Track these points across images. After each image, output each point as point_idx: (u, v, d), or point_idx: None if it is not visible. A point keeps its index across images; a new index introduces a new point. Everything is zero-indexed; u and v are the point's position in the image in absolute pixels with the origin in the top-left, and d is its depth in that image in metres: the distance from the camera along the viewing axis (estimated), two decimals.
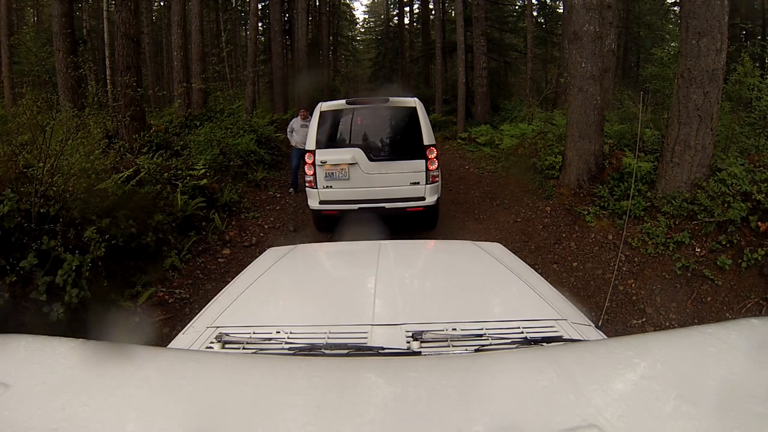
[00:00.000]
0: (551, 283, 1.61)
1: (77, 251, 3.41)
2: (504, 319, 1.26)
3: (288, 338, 1.13)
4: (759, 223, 4.20)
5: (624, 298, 4.18)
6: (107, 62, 12.22)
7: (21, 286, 3.20)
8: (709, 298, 4.06)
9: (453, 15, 16.73)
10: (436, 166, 4.75)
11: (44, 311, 3.17)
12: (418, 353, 1.01)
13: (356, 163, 4.73)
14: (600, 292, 4.26)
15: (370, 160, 4.75)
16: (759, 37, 13.81)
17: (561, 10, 15.18)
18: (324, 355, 0.99)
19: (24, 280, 3.22)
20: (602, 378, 0.72)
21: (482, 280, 1.68)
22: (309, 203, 4.94)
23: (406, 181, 4.73)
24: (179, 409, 0.65)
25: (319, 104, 5.03)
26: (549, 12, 18.32)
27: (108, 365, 0.74)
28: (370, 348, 1.03)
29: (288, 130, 7.21)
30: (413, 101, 4.89)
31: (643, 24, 16.59)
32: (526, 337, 1.09)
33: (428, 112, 5.24)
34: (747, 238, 4.25)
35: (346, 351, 1.01)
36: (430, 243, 3.15)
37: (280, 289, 1.67)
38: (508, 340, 1.08)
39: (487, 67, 13.29)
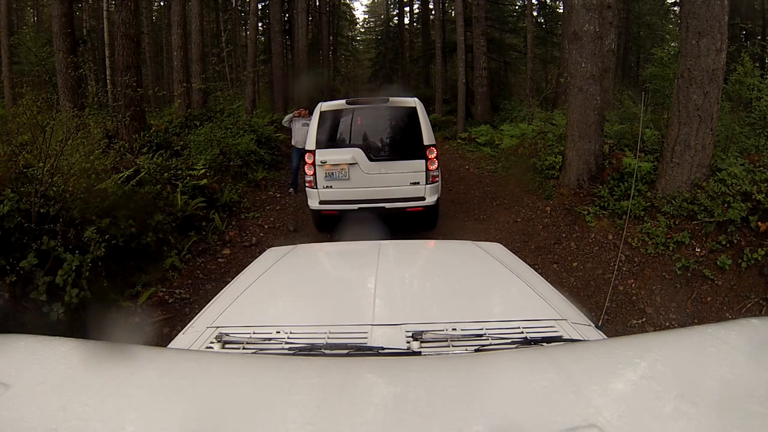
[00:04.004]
0: (551, 283, 1.61)
1: (77, 251, 3.41)
2: (504, 319, 1.26)
3: (288, 338, 1.13)
4: (759, 223, 4.20)
5: (624, 298, 4.18)
6: (107, 62, 12.24)
7: (21, 286, 3.20)
8: (709, 298, 4.06)
9: (453, 15, 16.72)
10: (436, 166, 4.75)
11: (44, 311, 3.17)
12: (418, 353, 1.01)
13: (356, 163, 4.73)
14: (600, 292, 4.26)
15: (370, 160, 4.74)
16: (759, 37, 13.80)
17: (561, 10, 15.19)
18: (324, 355, 0.99)
19: (24, 280, 3.22)
20: (602, 378, 0.72)
21: (482, 280, 1.68)
22: (309, 203, 4.94)
23: (406, 181, 4.73)
24: (179, 409, 0.65)
25: (319, 104, 5.03)
26: (549, 12, 18.33)
27: (108, 365, 0.74)
28: (370, 348, 1.03)
29: (286, 119, 7.15)
30: (413, 101, 4.89)
31: (643, 24, 16.59)
32: (526, 337, 1.09)
33: (428, 112, 5.23)
34: (747, 238, 4.25)
35: (346, 351, 1.01)
36: (430, 243, 3.15)
37: (280, 289, 1.67)
38: (508, 340, 1.08)
39: (487, 67, 13.29)
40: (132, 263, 4.09)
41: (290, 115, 7.09)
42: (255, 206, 6.43)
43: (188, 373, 0.75)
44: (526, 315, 1.28)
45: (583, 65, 5.63)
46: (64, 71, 6.40)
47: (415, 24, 25.37)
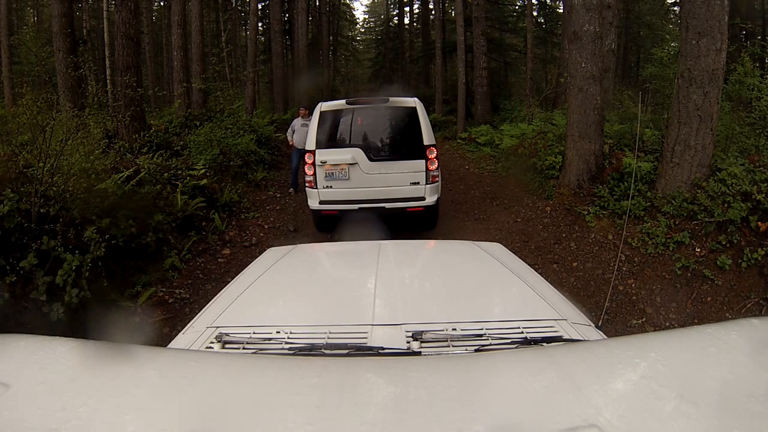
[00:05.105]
0: (551, 283, 1.61)
1: (77, 251, 3.41)
2: (504, 319, 1.26)
3: (288, 338, 1.13)
4: (759, 223, 4.20)
5: (624, 298, 4.18)
6: (107, 62, 12.24)
7: (21, 286, 3.20)
8: (709, 298, 4.06)
9: (453, 15, 16.75)
10: (436, 166, 4.75)
11: (44, 311, 3.17)
12: (418, 353, 1.01)
13: (356, 163, 4.73)
14: (600, 292, 4.26)
15: (370, 160, 4.74)
16: (759, 37, 13.80)
17: (561, 10, 15.18)
18: (324, 355, 0.99)
19: (24, 280, 3.22)
20: (602, 378, 0.72)
21: (482, 280, 1.68)
22: (309, 203, 4.94)
23: (406, 181, 4.73)
24: (179, 409, 0.65)
25: (319, 104, 5.03)
26: (549, 12, 18.32)
27: (108, 365, 0.74)
28: (370, 348, 1.03)
29: (288, 132, 7.21)
30: (413, 101, 4.89)
31: (643, 24, 16.60)
32: (526, 337, 1.09)
33: (428, 112, 5.23)
34: (747, 238, 4.25)
35: (346, 351, 1.01)
36: (430, 243, 3.15)
37: (280, 289, 1.67)
38: (508, 340, 1.08)
39: (487, 67, 13.28)
40: (132, 263, 4.09)
41: (290, 133, 7.14)
42: (255, 206, 6.43)
43: (188, 373, 0.75)
44: (526, 315, 1.28)
45: (583, 65, 5.63)
46: (64, 71, 6.40)
47: (415, 24, 25.40)
